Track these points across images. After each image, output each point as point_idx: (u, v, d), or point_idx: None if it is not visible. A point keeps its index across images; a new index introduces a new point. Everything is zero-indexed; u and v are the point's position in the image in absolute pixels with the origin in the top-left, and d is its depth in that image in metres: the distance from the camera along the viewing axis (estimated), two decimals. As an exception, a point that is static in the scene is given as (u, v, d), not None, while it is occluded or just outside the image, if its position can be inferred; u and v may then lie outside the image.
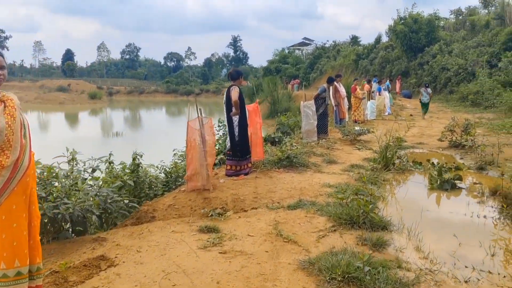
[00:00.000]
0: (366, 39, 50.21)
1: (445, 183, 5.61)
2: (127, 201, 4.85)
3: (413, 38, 32.40)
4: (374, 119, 15.17)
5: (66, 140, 27.51)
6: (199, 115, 5.08)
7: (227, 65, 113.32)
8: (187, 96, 79.17)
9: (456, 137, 8.91)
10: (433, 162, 7.03)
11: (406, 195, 5.44)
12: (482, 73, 24.04)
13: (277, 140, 8.76)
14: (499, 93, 20.51)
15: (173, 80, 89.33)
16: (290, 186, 5.48)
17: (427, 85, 16.97)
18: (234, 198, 4.92)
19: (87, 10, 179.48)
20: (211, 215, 4.47)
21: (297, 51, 70.88)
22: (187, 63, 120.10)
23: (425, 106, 16.28)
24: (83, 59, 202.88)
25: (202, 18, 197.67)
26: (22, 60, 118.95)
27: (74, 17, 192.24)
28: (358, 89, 13.79)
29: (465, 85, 24.45)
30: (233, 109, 5.87)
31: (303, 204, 4.69)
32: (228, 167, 6.06)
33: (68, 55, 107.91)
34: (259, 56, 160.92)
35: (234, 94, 5.80)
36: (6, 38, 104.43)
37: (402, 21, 32.88)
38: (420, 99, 16.56)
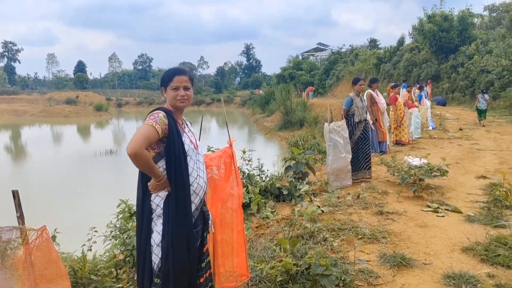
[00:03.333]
0: (383, 44, 46.28)
1: None
2: None
3: (444, 38, 28.42)
4: (420, 137, 11.31)
5: (49, 160, 24.31)
6: None
7: (240, 73, 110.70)
8: (198, 106, 76.73)
9: None
10: None
11: None
12: (536, 75, 19.99)
13: (285, 193, 5.07)
14: None
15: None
16: None
17: (484, 90, 15.92)
18: None
19: (103, 23, 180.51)
20: None
21: (311, 57, 67.37)
22: (199, 72, 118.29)
23: (482, 113, 14.97)
24: (97, 70, 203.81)
25: (216, 28, 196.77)
26: (36, 73, 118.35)
27: (91, 30, 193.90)
28: (399, 99, 9.96)
29: (515, 89, 20.43)
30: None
31: None
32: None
33: (80, 67, 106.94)
34: (272, 64, 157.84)
35: (138, 133, 2.26)
36: (18, 51, 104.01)
37: (430, 20, 28.89)
38: (476, 106, 15.23)
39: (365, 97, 8.63)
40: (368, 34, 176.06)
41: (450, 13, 28.73)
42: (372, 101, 8.54)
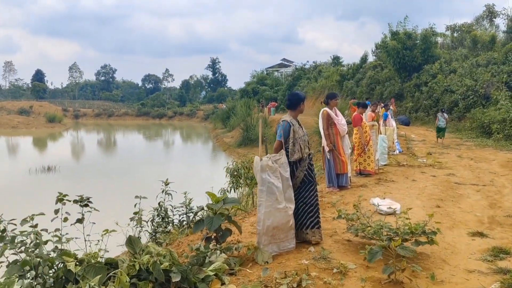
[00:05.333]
0: (346, 61, 45.78)
1: None
2: None
3: (407, 56, 27.73)
4: (386, 164, 9.67)
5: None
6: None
7: (206, 87, 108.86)
8: (160, 119, 74.22)
9: None
10: None
11: None
12: (502, 96, 19.15)
13: (177, 279, 3.08)
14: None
15: (149, 102, 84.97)
16: None
17: (443, 109, 16.64)
18: None
19: (68, 33, 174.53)
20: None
21: (276, 73, 66.54)
22: (164, 85, 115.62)
23: (441, 130, 15.48)
24: (59, 80, 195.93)
25: (182, 41, 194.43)
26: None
27: (55, 39, 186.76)
28: (364, 119, 8.26)
29: (481, 110, 19.49)
30: None
31: None
32: None
33: (38, 76, 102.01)
34: (238, 79, 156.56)
35: None
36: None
37: (393, 37, 28.13)
38: (436, 124, 15.80)
39: (320, 117, 6.90)
40: (332, 53, 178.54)
41: (413, 31, 28.10)
42: (330, 122, 6.79)
